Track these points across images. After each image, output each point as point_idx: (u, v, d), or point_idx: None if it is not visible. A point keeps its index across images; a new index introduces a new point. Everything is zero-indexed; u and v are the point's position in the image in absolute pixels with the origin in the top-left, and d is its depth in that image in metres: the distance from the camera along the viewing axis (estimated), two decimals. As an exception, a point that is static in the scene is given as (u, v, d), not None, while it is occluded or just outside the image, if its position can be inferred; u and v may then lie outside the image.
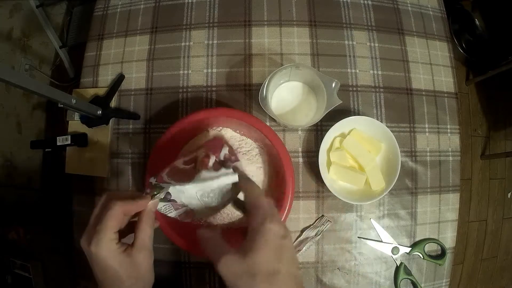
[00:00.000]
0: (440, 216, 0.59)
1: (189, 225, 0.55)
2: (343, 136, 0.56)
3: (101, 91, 0.61)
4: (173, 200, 0.41)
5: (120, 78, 0.61)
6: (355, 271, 0.57)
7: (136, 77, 0.62)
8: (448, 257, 0.58)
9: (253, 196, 0.36)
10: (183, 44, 0.62)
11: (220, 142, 0.48)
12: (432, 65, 0.63)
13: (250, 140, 0.55)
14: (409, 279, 0.56)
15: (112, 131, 0.60)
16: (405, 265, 0.57)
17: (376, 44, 0.62)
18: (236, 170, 0.41)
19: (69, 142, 0.57)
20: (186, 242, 0.50)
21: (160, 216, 0.51)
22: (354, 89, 0.60)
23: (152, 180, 0.41)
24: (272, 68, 0.60)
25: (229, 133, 0.55)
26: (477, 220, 1.54)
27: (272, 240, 0.32)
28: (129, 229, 0.38)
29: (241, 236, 0.53)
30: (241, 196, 0.39)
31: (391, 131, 0.53)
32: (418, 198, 0.59)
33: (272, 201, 0.36)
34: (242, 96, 0.60)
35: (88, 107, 0.55)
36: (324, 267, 0.56)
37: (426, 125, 0.61)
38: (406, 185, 0.59)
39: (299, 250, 0.55)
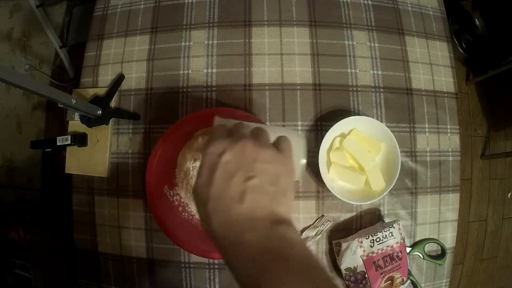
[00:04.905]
0: (440, 216, 0.59)
1: (190, 227, 0.55)
2: (343, 136, 0.56)
3: (101, 91, 0.61)
4: None
5: (120, 78, 0.61)
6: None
7: (136, 77, 0.62)
8: (448, 257, 0.58)
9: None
10: (183, 44, 0.62)
11: None
12: (432, 65, 0.63)
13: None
14: (409, 279, 0.56)
15: (112, 131, 0.60)
16: (405, 265, 0.57)
17: (376, 44, 0.62)
18: None
19: (69, 142, 0.57)
20: (187, 242, 0.50)
21: (160, 218, 0.51)
22: (354, 89, 0.60)
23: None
24: (272, 68, 0.60)
25: None
26: (477, 220, 1.53)
27: (207, 163, 0.29)
28: None
29: None
30: None
31: (391, 131, 0.53)
32: (418, 198, 0.59)
33: (222, 127, 0.32)
34: (242, 96, 0.60)
35: (88, 107, 0.55)
36: (324, 267, 0.56)
37: (426, 125, 0.61)
38: (406, 185, 0.59)
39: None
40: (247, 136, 0.30)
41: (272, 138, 0.34)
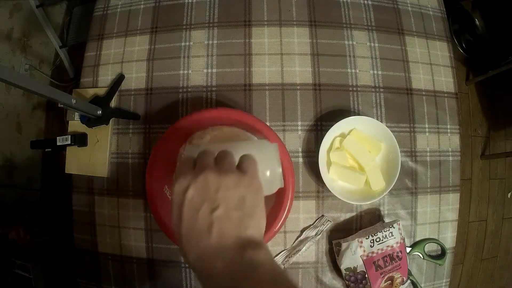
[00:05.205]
0: (440, 216, 0.59)
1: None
2: (343, 136, 0.56)
3: (101, 91, 0.61)
4: None
5: (120, 78, 0.61)
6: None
7: (136, 77, 0.62)
8: (448, 257, 0.58)
9: None
10: (183, 44, 0.62)
11: None
12: (432, 65, 0.63)
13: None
14: (409, 279, 0.56)
15: (112, 131, 0.60)
16: (405, 265, 0.57)
17: (376, 44, 0.62)
18: None
19: (69, 142, 0.57)
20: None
21: (160, 218, 0.51)
22: (354, 89, 0.60)
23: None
24: (272, 68, 0.60)
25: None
26: (477, 220, 1.53)
27: (175, 202, 0.30)
28: None
29: None
30: None
31: (391, 131, 0.53)
32: (418, 198, 0.59)
33: (188, 158, 0.33)
34: (242, 96, 0.60)
35: (88, 107, 0.55)
36: (324, 267, 0.57)
37: (426, 125, 0.61)
38: (406, 185, 0.59)
39: (299, 250, 0.55)
40: (209, 165, 0.31)
41: (241, 155, 0.33)
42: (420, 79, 0.62)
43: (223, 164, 0.31)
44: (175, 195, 0.30)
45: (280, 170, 0.37)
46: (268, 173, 0.36)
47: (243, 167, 0.31)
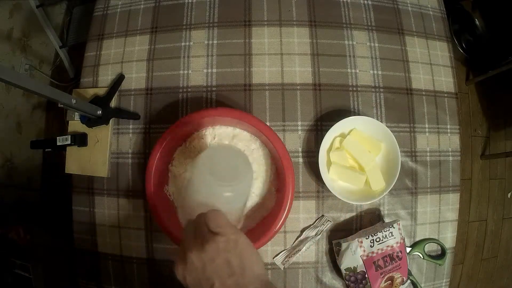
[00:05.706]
0: (440, 216, 0.59)
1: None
2: (343, 136, 0.56)
3: (101, 91, 0.61)
4: None
5: (120, 78, 0.61)
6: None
7: (136, 77, 0.62)
8: (448, 257, 0.58)
9: None
10: (183, 44, 0.62)
11: None
12: (432, 65, 0.63)
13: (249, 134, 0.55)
14: (409, 279, 0.56)
15: (112, 131, 0.60)
16: (405, 265, 0.57)
17: (376, 44, 0.62)
18: None
19: (69, 142, 0.57)
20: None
21: (160, 218, 0.51)
22: (354, 89, 0.60)
23: None
24: (272, 68, 0.60)
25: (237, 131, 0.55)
26: (477, 220, 1.53)
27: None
28: None
29: None
30: None
31: (391, 131, 0.53)
32: (418, 198, 0.59)
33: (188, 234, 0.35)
34: (242, 96, 0.60)
35: (88, 107, 0.55)
36: (324, 267, 0.56)
37: (426, 125, 0.61)
38: (406, 185, 0.59)
39: (299, 250, 0.55)
40: (190, 243, 0.33)
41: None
42: (420, 79, 0.62)
43: (199, 236, 0.33)
44: (183, 284, 0.32)
45: (240, 160, 0.36)
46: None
47: (212, 228, 0.32)
